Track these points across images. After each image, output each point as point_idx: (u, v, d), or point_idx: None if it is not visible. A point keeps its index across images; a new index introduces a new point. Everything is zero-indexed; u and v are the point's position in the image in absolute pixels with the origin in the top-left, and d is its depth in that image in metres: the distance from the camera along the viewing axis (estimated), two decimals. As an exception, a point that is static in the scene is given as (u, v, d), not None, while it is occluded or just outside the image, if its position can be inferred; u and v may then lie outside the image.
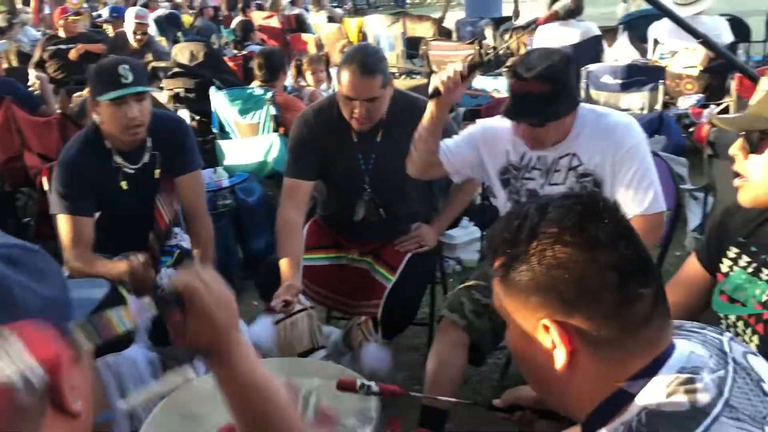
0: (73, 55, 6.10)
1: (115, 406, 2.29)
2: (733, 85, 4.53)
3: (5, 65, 5.98)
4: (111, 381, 2.30)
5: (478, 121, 2.36)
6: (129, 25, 6.02)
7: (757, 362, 0.94)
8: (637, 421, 0.85)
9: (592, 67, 5.08)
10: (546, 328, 0.90)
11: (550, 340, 0.91)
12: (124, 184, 2.41)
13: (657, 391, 0.86)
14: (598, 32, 5.98)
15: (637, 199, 2.01)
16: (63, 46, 6.26)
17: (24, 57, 7.62)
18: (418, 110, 2.48)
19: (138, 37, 5.95)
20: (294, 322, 2.29)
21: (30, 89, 5.15)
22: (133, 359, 2.35)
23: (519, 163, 2.20)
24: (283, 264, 2.36)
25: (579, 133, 2.09)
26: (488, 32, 7.87)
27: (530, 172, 2.19)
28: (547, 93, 1.93)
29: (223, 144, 4.36)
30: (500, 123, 2.23)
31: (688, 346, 0.92)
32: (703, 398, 0.84)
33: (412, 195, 2.58)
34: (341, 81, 2.36)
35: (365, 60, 2.30)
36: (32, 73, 5.62)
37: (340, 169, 2.53)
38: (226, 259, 3.61)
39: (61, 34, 6.33)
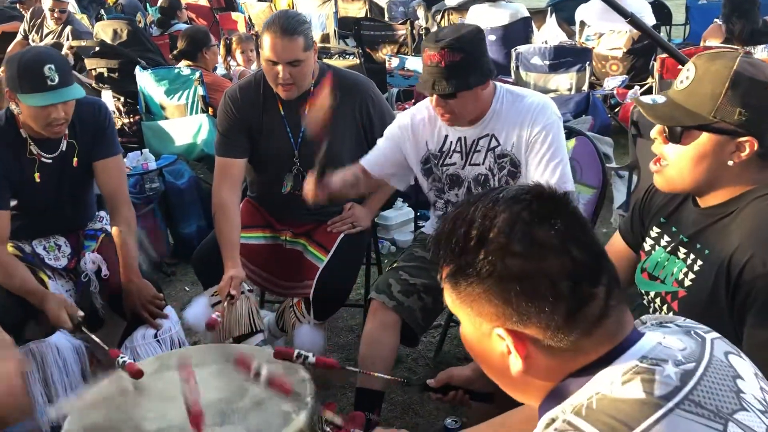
0: None
1: (37, 401, 2.21)
2: (656, 66, 4.69)
3: None
4: (34, 368, 2.21)
5: (397, 116, 2.37)
6: (46, 2, 5.74)
7: (738, 362, 0.93)
8: (587, 405, 0.84)
9: (521, 48, 5.15)
10: (500, 336, 0.89)
11: (505, 346, 0.90)
12: (37, 176, 2.31)
13: (612, 378, 0.85)
14: (527, 14, 6.08)
15: (544, 176, 2.06)
16: None
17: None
18: (346, 84, 2.48)
19: (56, 15, 5.68)
20: (228, 309, 2.26)
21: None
22: (57, 346, 2.27)
23: (439, 150, 2.23)
24: (223, 250, 2.33)
25: (497, 114, 2.14)
26: (420, 12, 7.87)
27: (451, 157, 2.22)
28: (456, 63, 1.97)
29: (150, 126, 4.23)
30: (417, 112, 2.27)
31: (657, 337, 0.91)
32: (660, 389, 0.83)
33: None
34: (263, 46, 2.34)
35: (286, 22, 2.29)
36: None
37: (270, 144, 2.50)
38: (154, 243, 3.52)
39: None
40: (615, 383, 0.84)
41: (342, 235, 2.55)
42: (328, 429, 1.62)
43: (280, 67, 2.31)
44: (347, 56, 7.38)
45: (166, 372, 1.86)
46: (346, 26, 7.91)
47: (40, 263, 2.38)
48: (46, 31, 5.73)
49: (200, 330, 2.53)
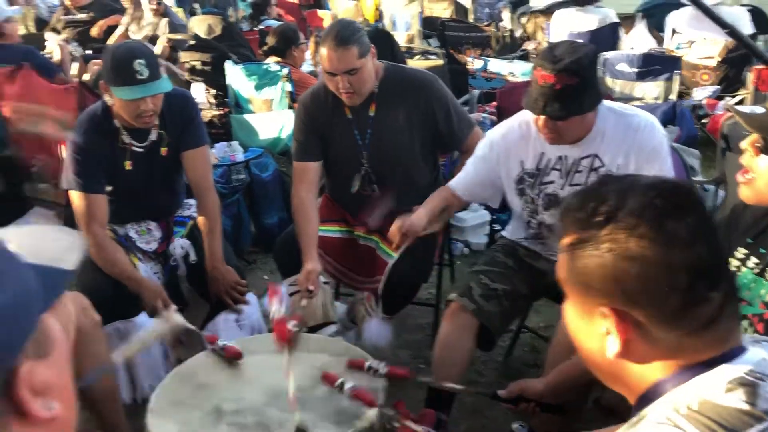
0: (95, 32, 6.14)
1: (120, 378, 2.35)
2: (750, 77, 4.51)
3: (22, 31, 6.01)
4: (120, 346, 2.35)
5: (486, 135, 2.36)
6: None
7: None
8: (688, 405, 0.83)
9: (608, 54, 5.06)
10: (604, 314, 0.89)
11: (606, 327, 0.90)
12: (127, 164, 2.44)
13: (715, 384, 0.84)
14: (615, 19, 5.94)
15: None
16: (76, 16, 6.31)
17: (41, 23, 7.63)
18: (409, 83, 2.51)
19: (154, 6, 5.94)
20: (303, 306, 2.33)
21: (47, 56, 5.18)
22: (142, 326, 2.40)
23: (536, 169, 2.20)
24: (303, 246, 2.42)
25: (601, 133, 2.08)
26: (505, 14, 7.80)
27: (549, 175, 2.18)
28: (572, 86, 1.92)
29: (237, 119, 4.38)
30: (510, 131, 2.23)
31: (762, 353, 0.90)
32: (763, 404, 0.82)
33: (411, 170, 2.60)
34: (321, 58, 2.40)
35: (339, 33, 2.33)
36: (53, 39, 5.63)
37: (339, 146, 2.57)
38: (238, 233, 3.66)
39: (67, 2, 6.39)
40: (718, 389, 0.84)
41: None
42: (397, 424, 1.68)
43: (338, 78, 2.37)
44: (430, 56, 7.41)
45: (248, 356, 1.96)
46: (431, 26, 7.94)
47: (131, 246, 2.52)
48: (144, 23, 6.00)
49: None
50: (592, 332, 0.93)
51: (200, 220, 2.57)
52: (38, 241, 0.73)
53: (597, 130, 2.08)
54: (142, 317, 2.41)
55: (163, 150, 2.49)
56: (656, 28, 6.27)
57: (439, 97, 2.53)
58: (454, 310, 2.19)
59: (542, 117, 1.99)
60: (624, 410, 0.96)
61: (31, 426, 0.64)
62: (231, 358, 1.93)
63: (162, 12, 5.97)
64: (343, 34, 2.33)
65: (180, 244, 2.57)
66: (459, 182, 2.35)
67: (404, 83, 2.51)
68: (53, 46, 5.15)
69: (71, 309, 1.89)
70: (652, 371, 0.90)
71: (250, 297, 2.50)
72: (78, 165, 2.36)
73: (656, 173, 2.01)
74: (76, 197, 2.38)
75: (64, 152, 2.95)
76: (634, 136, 2.05)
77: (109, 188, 2.45)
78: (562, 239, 0.95)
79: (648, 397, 0.90)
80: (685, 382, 0.86)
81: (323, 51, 2.36)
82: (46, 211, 3.90)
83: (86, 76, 4.90)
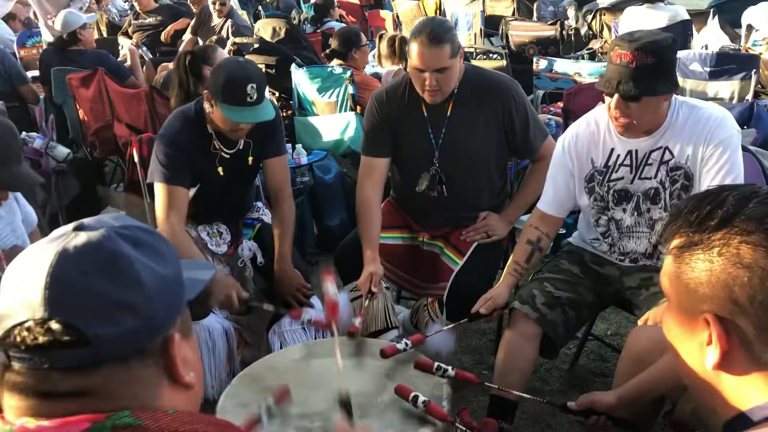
0: (165, 37, 6.32)
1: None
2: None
3: (95, 36, 6.23)
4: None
5: (558, 141, 2.31)
6: None
7: None
8: None
9: (680, 53, 4.88)
10: (707, 322, 0.86)
11: (708, 335, 0.86)
12: (221, 170, 2.50)
13: None
14: (686, 16, 5.74)
15: None
16: (145, 21, 6.52)
17: (113, 28, 7.91)
18: (489, 85, 2.48)
19: (218, 7, 6.05)
20: (366, 306, 2.34)
21: (120, 60, 5.36)
22: (210, 328, 2.45)
23: (605, 165, 2.16)
24: (364, 247, 2.43)
25: (672, 125, 2.04)
26: (570, 12, 7.66)
27: (617, 171, 2.14)
28: (648, 66, 1.90)
29: (301, 121, 4.43)
30: (579, 131, 2.21)
31: None
32: None
33: (482, 173, 2.57)
34: (410, 54, 2.38)
35: (433, 30, 2.31)
36: (125, 43, 5.82)
37: (411, 144, 2.56)
38: (301, 234, 3.70)
39: (137, 7, 6.62)
40: None
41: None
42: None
43: (427, 74, 2.35)
44: (492, 56, 7.34)
45: (313, 360, 1.98)
46: (493, 25, 7.85)
47: (203, 248, 2.57)
48: (212, 23, 6.13)
49: (341, 323, 2.65)
50: (692, 341, 0.90)
51: (275, 222, 2.62)
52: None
53: (668, 122, 2.05)
54: (210, 319, 2.46)
55: (250, 159, 2.55)
56: (730, 25, 6.03)
57: (518, 103, 2.49)
58: (517, 318, 2.17)
59: (615, 98, 1.97)
60: (695, 426, 0.92)
61: (176, 389, 0.83)
62: (326, 327, 2.03)
63: (226, 13, 6.07)
64: (437, 31, 2.31)
65: (248, 246, 2.62)
66: (546, 201, 2.31)
67: (484, 85, 2.48)
68: (126, 51, 5.32)
69: None
70: (749, 392, 0.85)
71: (314, 300, 2.53)
72: (167, 158, 2.40)
73: (720, 167, 1.96)
74: (159, 189, 2.42)
75: (136, 155, 3.06)
76: (703, 127, 2.01)
77: (193, 189, 2.50)
78: (670, 241, 0.92)
79: (741, 421, 0.86)
80: None
81: (414, 47, 2.34)
82: (118, 211, 4.04)
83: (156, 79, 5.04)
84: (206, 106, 2.42)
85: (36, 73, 5.35)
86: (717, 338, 0.85)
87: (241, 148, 2.52)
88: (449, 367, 1.80)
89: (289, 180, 2.73)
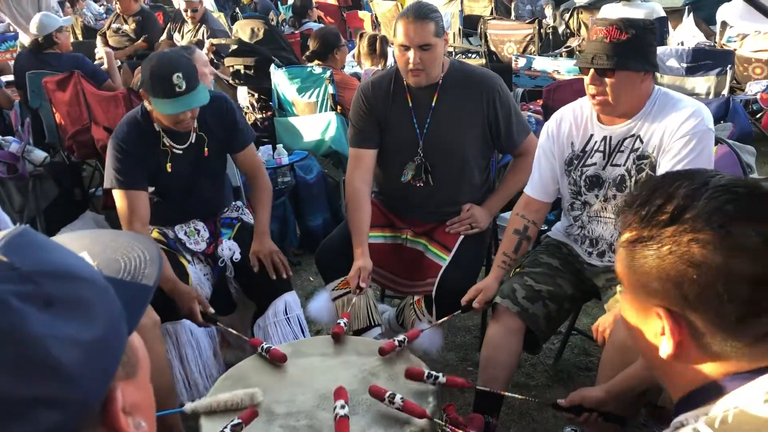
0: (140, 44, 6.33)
1: (176, 377, 2.38)
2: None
3: (71, 39, 6.16)
4: (171, 347, 2.39)
5: (544, 126, 2.34)
6: (180, 3, 6.02)
7: None
8: (722, 417, 0.81)
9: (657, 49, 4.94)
10: (659, 315, 0.88)
11: (661, 327, 0.88)
12: (168, 167, 2.49)
13: (754, 395, 0.81)
14: (662, 13, 5.82)
15: None
16: (122, 27, 6.48)
17: (89, 31, 7.83)
18: (474, 78, 2.51)
19: (190, 14, 5.97)
20: (352, 300, 2.34)
21: (96, 63, 5.30)
22: (191, 328, 2.43)
23: (582, 150, 2.19)
24: (354, 240, 2.44)
25: (647, 114, 2.07)
26: (548, 11, 7.71)
27: (592, 157, 2.17)
28: (621, 41, 1.95)
29: (282, 122, 4.41)
30: (564, 115, 2.24)
31: None
32: None
33: (466, 164, 2.58)
34: (396, 33, 2.42)
35: (418, 8, 2.39)
36: (101, 47, 5.76)
37: (396, 134, 2.57)
38: (283, 234, 3.69)
39: (118, 10, 6.58)
40: (756, 401, 0.80)
41: (462, 236, 2.57)
42: (448, 429, 1.66)
43: (411, 52, 2.38)
44: (471, 55, 7.37)
45: (299, 358, 1.97)
46: (471, 24, 7.89)
47: (181, 247, 2.56)
48: (186, 29, 6.08)
49: (322, 322, 2.64)
50: (647, 330, 0.92)
51: (252, 197, 2.69)
52: (113, 250, 0.72)
53: (645, 111, 2.08)
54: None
55: (205, 151, 2.55)
56: (705, 22, 6.12)
57: (502, 97, 2.53)
58: (499, 312, 2.18)
59: (590, 73, 2.02)
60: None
61: None
62: (275, 360, 1.94)
63: (200, 19, 6.01)
64: (422, 9, 2.39)
65: (227, 246, 2.61)
66: (532, 185, 2.34)
67: (469, 79, 2.52)
68: (102, 53, 5.26)
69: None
70: (701, 375, 0.88)
71: (294, 296, 2.53)
72: (119, 163, 2.41)
73: (688, 160, 1.97)
74: (118, 195, 2.43)
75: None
76: (674, 118, 2.02)
77: (151, 189, 2.50)
78: (622, 233, 0.93)
79: (688, 401, 0.88)
80: (726, 392, 0.84)
81: (400, 26, 2.40)
82: (96, 215, 3.99)
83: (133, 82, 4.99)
84: (146, 104, 2.43)
85: (10, 77, 5.28)
86: (669, 331, 0.87)
87: (193, 141, 2.52)
88: (440, 374, 1.80)
89: (262, 162, 2.81)
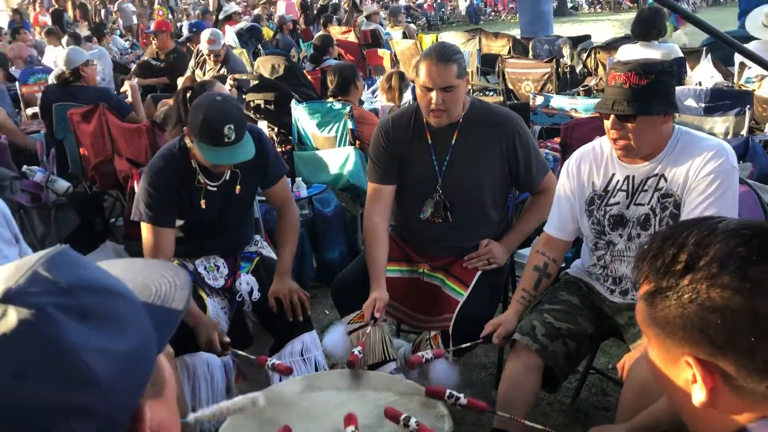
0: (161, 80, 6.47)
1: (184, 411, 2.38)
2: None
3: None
4: (185, 378, 2.39)
5: (563, 166, 2.34)
6: (203, 47, 6.05)
7: None
8: None
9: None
10: (688, 364, 0.87)
11: (691, 374, 0.88)
12: (202, 203, 2.50)
13: None
14: (680, 54, 5.83)
15: None
16: (153, 61, 6.64)
17: (115, 65, 8.00)
18: (494, 117, 2.53)
19: (213, 58, 6.02)
20: (367, 334, 2.33)
21: (120, 96, 5.41)
22: (209, 361, 2.43)
23: (604, 190, 2.18)
24: (371, 273, 2.44)
25: (670, 153, 2.07)
26: (565, 50, 7.77)
27: (615, 196, 2.16)
28: (642, 87, 1.95)
29: (301, 155, 4.46)
30: (584, 155, 2.24)
31: None
32: None
33: (484, 202, 2.58)
34: (419, 74, 2.44)
35: (441, 50, 2.41)
36: (127, 81, 5.89)
37: (415, 170, 2.58)
38: (300, 267, 3.70)
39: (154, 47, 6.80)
40: None
41: (479, 271, 2.56)
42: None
43: (433, 93, 2.40)
44: (489, 93, 7.42)
45: (312, 392, 1.96)
46: (489, 63, 7.97)
47: (200, 281, 2.56)
48: (207, 67, 6.18)
49: (336, 356, 2.63)
50: (677, 379, 0.91)
51: (278, 230, 2.67)
52: (146, 276, 0.75)
53: (667, 150, 2.07)
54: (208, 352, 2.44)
55: (237, 188, 2.55)
56: (723, 63, 6.13)
57: (523, 138, 2.53)
58: (518, 349, 2.16)
59: (611, 119, 2.01)
60: None
61: None
62: (281, 374, 1.97)
63: (222, 60, 6.04)
64: (446, 52, 2.40)
65: (246, 280, 2.60)
66: (552, 224, 2.34)
67: (489, 118, 2.53)
68: (127, 87, 5.38)
69: None
70: (734, 420, 0.87)
71: (313, 337, 2.52)
72: (151, 198, 2.41)
73: (712, 199, 1.96)
74: (145, 228, 2.44)
75: (137, 186, 3.06)
76: (698, 156, 2.02)
77: (180, 222, 2.50)
78: (640, 286, 0.94)
79: None
80: None
81: (422, 67, 2.41)
82: (116, 245, 4.03)
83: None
84: (187, 141, 2.43)
85: (36, 109, 5.39)
86: (701, 379, 0.86)
87: (227, 179, 2.53)
88: (461, 395, 1.79)
89: (291, 194, 2.79)
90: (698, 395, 0.87)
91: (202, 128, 2.30)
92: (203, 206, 2.49)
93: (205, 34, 5.98)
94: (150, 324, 0.68)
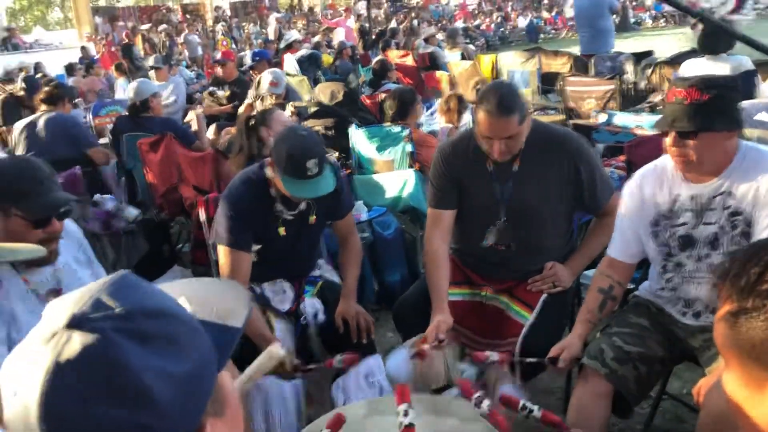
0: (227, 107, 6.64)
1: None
2: None
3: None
4: (258, 401, 2.41)
5: (624, 187, 2.28)
6: (264, 86, 5.85)
7: None
8: None
9: (745, 103, 4.76)
10: None
11: None
12: (282, 230, 2.55)
13: None
14: (751, 66, 5.62)
15: None
16: (217, 89, 6.84)
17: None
18: (556, 140, 2.47)
19: (274, 98, 5.85)
20: (431, 358, 2.30)
21: (185, 125, 5.59)
22: (280, 383, 2.45)
23: (670, 211, 2.12)
24: (433, 297, 2.42)
25: (737, 169, 1.99)
26: (628, 67, 7.62)
27: (682, 216, 2.09)
28: (703, 102, 1.89)
29: (361, 179, 4.49)
30: (646, 175, 2.18)
31: None
32: None
33: (549, 228, 2.54)
34: (478, 120, 2.38)
35: (502, 100, 2.29)
36: (191, 111, 6.06)
37: (477, 198, 2.55)
38: (361, 290, 3.70)
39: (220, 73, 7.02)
40: None
41: (545, 294, 2.51)
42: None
43: (495, 141, 2.36)
44: (550, 112, 7.34)
45: (375, 416, 1.94)
46: (550, 81, 7.89)
47: (267, 304, 2.60)
48: (268, 101, 6.28)
49: (400, 380, 2.60)
50: (759, 405, 0.86)
51: (342, 257, 2.75)
52: (206, 295, 0.77)
53: (734, 166, 1.99)
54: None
55: (312, 219, 2.60)
56: (797, 73, 5.88)
57: (586, 159, 2.47)
58: (587, 374, 2.10)
59: (671, 136, 1.95)
60: None
61: None
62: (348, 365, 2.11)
63: (283, 98, 5.88)
64: (506, 101, 2.29)
65: (310, 303, 2.63)
66: (615, 247, 2.28)
67: (551, 142, 2.47)
68: (192, 116, 5.55)
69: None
70: None
71: (378, 361, 2.50)
72: (230, 222, 2.46)
73: None
74: (223, 252, 2.48)
75: (202, 213, 3.14)
76: (765, 172, 1.94)
77: (256, 247, 2.55)
78: (721, 306, 0.90)
79: None
80: None
81: (482, 115, 2.34)
82: (184, 269, 4.13)
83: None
84: (268, 171, 2.48)
85: (105, 140, 5.62)
86: None
87: (303, 209, 2.57)
88: (535, 407, 1.74)
89: (355, 225, 2.85)
90: None
91: (287, 162, 2.35)
92: (282, 233, 2.54)
93: (268, 76, 5.78)
94: (210, 343, 0.70)
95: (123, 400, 0.62)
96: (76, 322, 0.64)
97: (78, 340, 0.63)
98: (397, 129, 4.30)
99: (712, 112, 1.89)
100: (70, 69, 11.19)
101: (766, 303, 0.83)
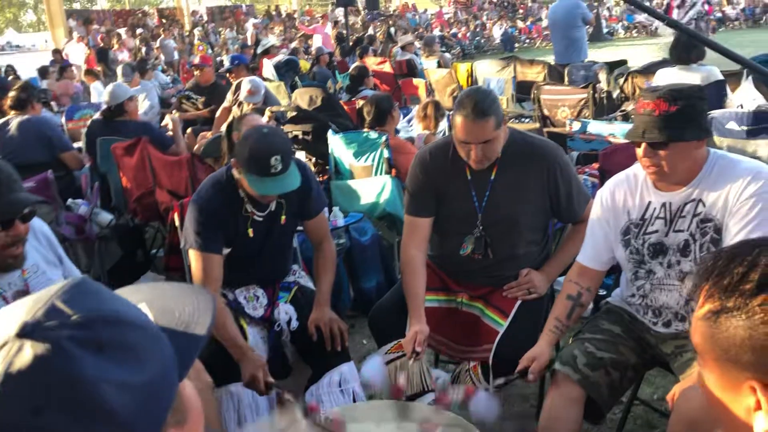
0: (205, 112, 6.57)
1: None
2: None
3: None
4: (231, 408, 2.39)
5: (596, 195, 2.31)
6: (242, 95, 5.85)
7: None
8: None
9: (715, 113, 4.87)
10: (752, 389, 0.84)
11: (754, 401, 0.84)
12: (250, 232, 2.53)
13: None
14: (720, 77, 5.74)
15: None
16: (193, 95, 6.78)
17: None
18: (534, 150, 2.49)
19: (252, 105, 5.80)
20: (405, 364, 2.31)
21: (162, 129, 5.54)
22: (254, 393, 2.42)
23: (641, 218, 2.15)
24: (410, 306, 2.42)
25: (706, 177, 2.02)
26: (602, 76, 7.71)
27: (653, 224, 2.12)
28: (672, 114, 1.92)
29: (338, 185, 4.49)
30: (618, 184, 2.21)
31: None
32: None
33: (525, 236, 2.56)
34: (455, 125, 2.39)
35: (478, 104, 2.31)
36: (167, 115, 6.01)
37: (454, 206, 2.56)
38: (337, 296, 3.70)
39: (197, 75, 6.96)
40: None
41: (520, 301, 2.53)
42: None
43: (472, 146, 2.37)
44: (524, 120, 7.41)
45: (350, 424, 1.94)
46: (525, 90, 7.96)
47: (240, 310, 2.58)
48: (245, 107, 6.25)
49: (374, 387, 2.60)
50: (736, 405, 0.86)
51: (316, 263, 2.70)
52: (169, 301, 0.75)
53: (703, 174, 2.03)
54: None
55: (283, 219, 2.58)
56: (765, 84, 6.01)
57: (563, 169, 2.49)
58: (559, 380, 2.12)
59: (642, 146, 1.98)
60: None
61: None
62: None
63: (260, 104, 5.84)
64: (482, 105, 2.31)
65: (284, 310, 2.62)
66: (585, 254, 2.30)
67: (529, 150, 2.48)
68: (168, 120, 5.51)
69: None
70: None
71: (351, 368, 2.50)
72: (200, 225, 2.44)
73: (755, 223, 1.90)
74: (194, 256, 2.46)
75: (177, 218, 3.12)
76: (736, 180, 1.97)
77: (227, 250, 2.52)
78: (701, 306, 0.90)
79: None
80: None
81: (458, 119, 2.35)
82: (157, 276, 4.10)
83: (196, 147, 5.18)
84: (235, 173, 2.46)
85: (80, 144, 5.55)
86: (766, 404, 0.82)
87: (273, 209, 2.56)
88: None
89: (329, 229, 2.82)
90: (761, 424, 0.83)
91: (249, 159, 2.33)
92: (251, 235, 2.52)
93: (246, 84, 5.76)
94: (171, 351, 0.68)
95: (76, 413, 0.59)
96: (28, 331, 0.61)
97: (29, 351, 0.60)
98: (374, 135, 4.31)
99: (682, 122, 1.93)
100: (43, 72, 11.06)
101: (749, 302, 0.83)
